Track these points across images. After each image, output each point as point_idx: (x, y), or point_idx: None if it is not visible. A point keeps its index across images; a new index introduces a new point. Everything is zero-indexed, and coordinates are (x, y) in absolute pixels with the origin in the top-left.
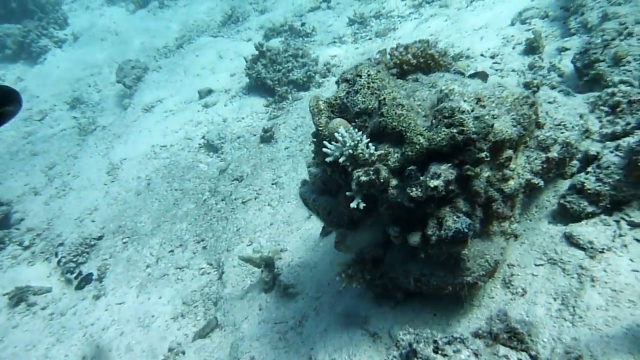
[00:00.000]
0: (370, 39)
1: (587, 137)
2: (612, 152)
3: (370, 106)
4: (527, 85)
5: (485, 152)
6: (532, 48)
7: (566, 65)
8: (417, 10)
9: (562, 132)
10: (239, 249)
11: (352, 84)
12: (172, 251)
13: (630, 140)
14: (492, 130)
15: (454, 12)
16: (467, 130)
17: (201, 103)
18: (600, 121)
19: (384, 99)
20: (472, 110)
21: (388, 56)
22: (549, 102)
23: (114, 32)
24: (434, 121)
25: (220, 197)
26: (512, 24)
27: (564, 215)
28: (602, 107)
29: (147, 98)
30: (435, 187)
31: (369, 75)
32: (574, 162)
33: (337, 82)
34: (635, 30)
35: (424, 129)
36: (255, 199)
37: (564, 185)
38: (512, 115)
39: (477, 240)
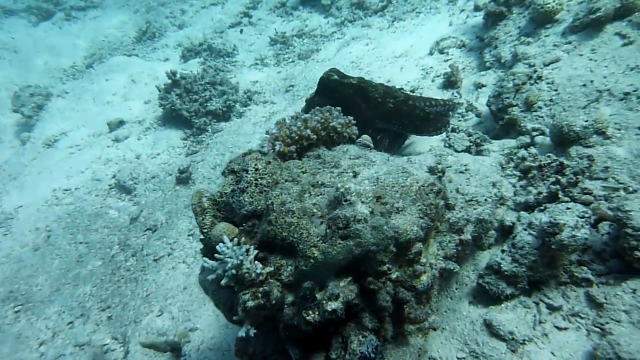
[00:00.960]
0: (292, 61)
1: (502, 204)
2: (525, 229)
3: (259, 207)
4: (432, 171)
5: (387, 265)
6: (450, 82)
7: (482, 104)
8: (339, 29)
9: (474, 209)
10: (148, 320)
11: (239, 177)
12: (71, 323)
13: (542, 218)
14: (392, 242)
15: (376, 34)
16: (365, 242)
17: (111, 136)
18: (514, 186)
19: (272, 203)
20: (372, 212)
21: (286, 130)
22: (461, 172)
23: (12, 48)
24: (328, 231)
25: (130, 252)
26: (431, 54)
27: (484, 295)
28: (514, 172)
29: (50, 130)
30: (334, 311)
31: (256, 170)
32: (491, 232)
33: (223, 173)
34: (544, 74)
35: (318, 238)
36: (168, 255)
37: (483, 258)
38: (419, 205)
39: (391, 347)
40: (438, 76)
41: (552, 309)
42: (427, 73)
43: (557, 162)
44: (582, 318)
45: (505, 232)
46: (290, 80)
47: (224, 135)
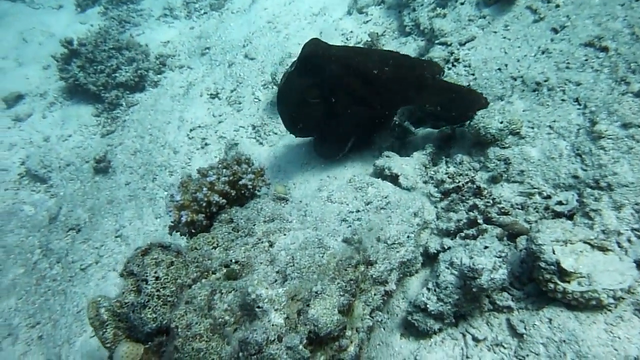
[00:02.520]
0: (205, 12)
1: (425, 228)
2: (448, 268)
3: (165, 322)
4: (347, 241)
5: None
6: None
7: None
8: None
9: (397, 252)
10: (82, 341)
11: (139, 283)
12: None
13: (462, 258)
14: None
15: None
16: None
17: (10, 115)
18: (435, 207)
19: (177, 327)
20: (287, 318)
21: (192, 196)
22: (382, 208)
23: None
24: (241, 355)
25: (54, 259)
26: (350, 13)
27: (414, 328)
28: (434, 194)
29: None
30: None
31: (157, 279)
32: (419, 258)
33: (121, 275)
34: (461, 55)
35: None
36: (96, 262)
37: (411, 284)
38: (338, 283)
39: None
40: (359, 43)
41: (477, 340)
42: (347, 39)
43: (475, 186)
44: (505, 348)
45: (430, 257)
46: (206, 40)
47: (141, 112)
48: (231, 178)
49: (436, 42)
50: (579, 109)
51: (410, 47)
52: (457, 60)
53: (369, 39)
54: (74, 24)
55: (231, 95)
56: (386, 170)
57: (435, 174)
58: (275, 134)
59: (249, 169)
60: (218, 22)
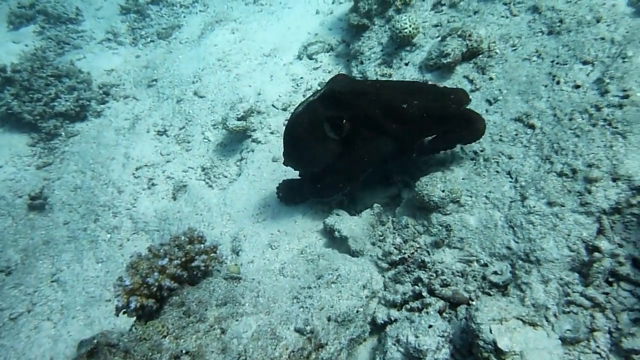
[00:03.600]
0: (152, 41)
1: (373, 297)
2: (394, 345)
3: None
4: (300, 331)
5: None
6: None
7: None
8: None
9: (347, 329)
10: None
11: None
12: None
13: (408, 335)
14: None
15: (242, 12)
16: None
17: None
18: (383, 276)
19: None
20: None
21: (142, 279)
22: (333, 283)
23: None
24: None
25: None
26: (300, 58)
27: None
28: (382, 262)
29: None
30: None
31: None
32: (367, 328)
33: None
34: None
35: None
36: (29, 311)
37: (359, 353)
38: None
39: None
40: (309, 89)
41: None
42: (297, 85)
43: (420, 260)
44: None
45: (377, 326)
46: (153, 70)
47: (82, 143)
48: (183, 260)
49: None
50: (511, 181)
51: None
52: None
53: (319, 88)
54: (6, 43)
55: (180, 134)
56: (336, 232)
57: (383, 245)
58: (226, 177)
59: (202, 248)
60: (166, 51)
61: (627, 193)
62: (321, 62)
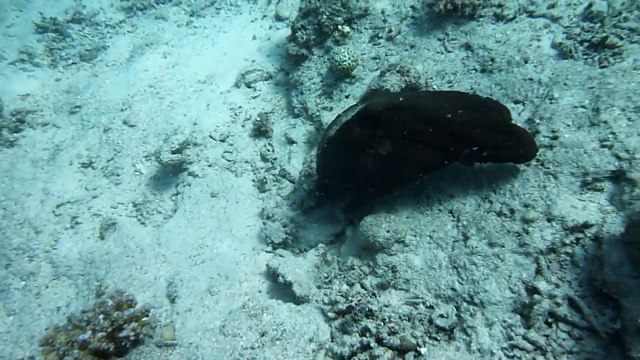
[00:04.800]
0: (74, 63)
1: (320, 349)
2: None
3: None
4: None
5: None
6: (261, 131)
7: (295, 167)
8: (129, 17)
9: None
10: None
11: None
12: None
13: None
14: None
15: (174, 35)
16: None
17: None
18: (330, 326)
19: None
20: None
21: (54, 356)
22: (278, 339)
23: None
24: None
25: None
26: (238, 86)
27: None
28: (329, 311)
29: None
30: None
31: None
32: None
33: None
34: None
35: None
36: None
37: None
38: None
39: None
40: (248, 119)
41: None
42: (236, 115)
43: (367, 309)
44: None
45: None
46: (76, 95)
47: None
48: (110, 330)
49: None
50: (453, 220)
51: (299, 131)
52: None
53: (259, 119)
54: None
55: (107, 166)
56: (280, 277)
57: (329, 291)
58: (160, 213)
59: (132, 313)
60: (90, 75)
61: (561, 233)
62: (260, 90)
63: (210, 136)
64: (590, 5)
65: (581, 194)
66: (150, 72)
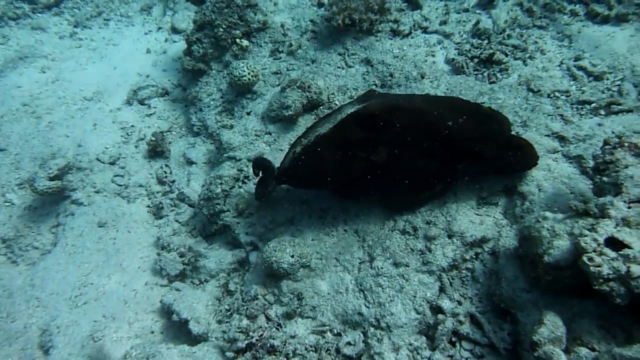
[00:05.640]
0: None
1: None
2: None
3: None
4: None
5: None
6: (157, 152)
7: (195, 189)
8: None
9: None
10: None
11: None
12: None
13: None
14: None
15: (55, 47)
16: None
17: None
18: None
19: None
20: None
21: None
22: None
23: None
24: None
25: None
26: (129, 103)
27: None
28: (228, 350)
29: None
30: None
31: None
32: None
33: None
34: (250, 173)
35: None
36: None
37: None
38: None
39: None
40: (142, 139)
41: None
42: (128, 134)
43: (269, 345)
44: None
45: None
46: None
47: None
48: None
49: (225, 155)
50: (359, 241)
51: (199, 150)
52: (247, 178)
53: (154, 139)
54: None
55: None
56: (174, 315)
57: (229, 328)
58: (36, 248)
59: None
60: None
61: (462, 249)
62: (155, 107)
63: (98, 159)
64: (478, 22)
65: (478, 208)
66: (25, 89)
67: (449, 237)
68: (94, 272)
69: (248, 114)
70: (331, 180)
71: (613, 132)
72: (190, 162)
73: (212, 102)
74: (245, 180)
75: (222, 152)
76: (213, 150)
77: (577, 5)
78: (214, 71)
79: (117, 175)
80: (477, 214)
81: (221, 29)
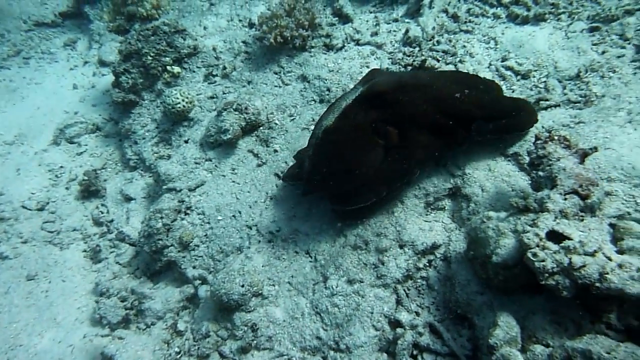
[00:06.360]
0: None
1: None
2: None
3: None
4: None
5: None
6: (90, 192)
7: (135, 227)
8: None
9: None
10: None
11: None
12: None
13: None
14: None
15: None
16: None
17: None
18: None
19: None
20: None
21: None
22: None
23: None
24: None
25: None
26: (57, 143)
27: None
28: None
29: None
30: None
31: None
32: None
33: None
34: (193, 202)
35: None
36: None
37: None
38: None
39: None
40: (73, 180)
41: None
42: (57, 177)
43: None
44: None
45: None
46: None
47: None
48: None
49: (164, 187)
50: (311, 261)
51: (137, 185)
52: (189, 208)
53: (86, 178)
54: None
55: None
56: None
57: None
58: None
59: None
60: None
61: (414, 258)
62: (86, 145)
63: (24, 206)
64: (407, 31)
65: (426, 214)
66: None
67: (401, 247)
68: (24, 332)
69: (186, 142)
70: (359, 173)
71: (543, 127)
72: (128, 199)
73: (147, 134)
74: (188, 212)
75: (161, 185)
76: (152, 183)
77: (498, 9)
78: (146, 101)
79: (46, 222)
80: (426, 221)
81: (149, 57)
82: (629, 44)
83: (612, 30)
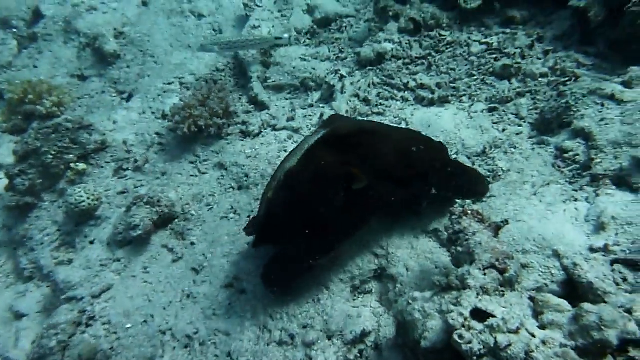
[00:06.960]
0: None
1: None
2: None
3: None
4: None
5: None
6: None
7: (25, 349)
8: None
9: None
10: None
11: None
12: None
13: None
14: None
15: None
16: None
17: None
18: None
19: None
20: None
21: None
22: None
23: None
24: None
25: None
26: None
27: None
28: None
29: None
30: None
31: None
32: None
33: None
34: (97, 311)
35: None
36: None
37: None
38: None
39: None
40: None
41: None
42: None
43: None
44: None
45: None
46: None
47: None
48: None
49: (63, 297)
50: None
51: (32, 298)
52: (92, 318)
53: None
54: None
55: None
56: None
57: None
58: None
59: None
60: None
61: (344, 350)
62: None
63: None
64: (322, 115)
65: (354, 299)
66: None
67: (329, 338)
68: None
69: (91, 242)
70: (318, 220)
71: (457, 202)
72: (19, 316)
73: (46, 238)
74: (90, 323)
75: (59, 294)
76: (49, 294)
77: (406, 92)
78: (46, 203)
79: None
80: (354, 306)
81: (50, 156)
82: (525, 122)
83: (509, 110)
